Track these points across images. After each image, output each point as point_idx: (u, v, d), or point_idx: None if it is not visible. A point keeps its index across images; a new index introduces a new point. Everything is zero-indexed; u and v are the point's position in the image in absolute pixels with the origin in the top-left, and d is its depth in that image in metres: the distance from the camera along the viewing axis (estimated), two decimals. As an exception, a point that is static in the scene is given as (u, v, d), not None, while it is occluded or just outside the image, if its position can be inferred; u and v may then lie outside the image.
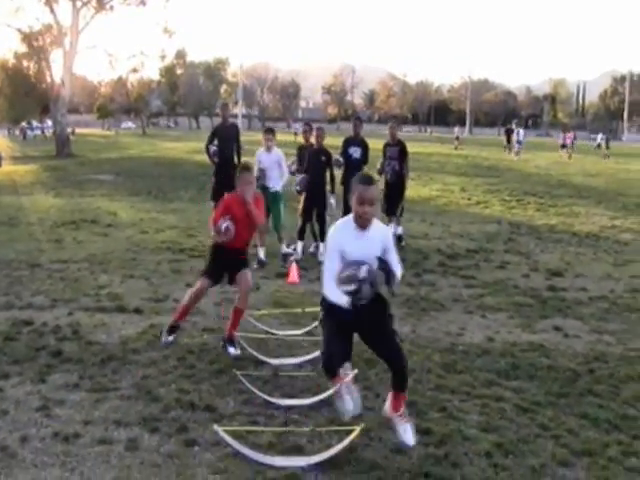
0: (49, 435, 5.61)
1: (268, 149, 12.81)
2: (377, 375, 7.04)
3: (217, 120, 16.30)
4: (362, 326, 5.63)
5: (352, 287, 5.20)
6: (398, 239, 14.30)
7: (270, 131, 13.47)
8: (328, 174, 13.08)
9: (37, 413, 6.01)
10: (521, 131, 53.79)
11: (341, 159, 13.67)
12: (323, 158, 13.02)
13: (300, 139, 15.06)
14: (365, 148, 13.75)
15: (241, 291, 7.85)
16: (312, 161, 13.06)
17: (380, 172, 14.45)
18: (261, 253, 12.26)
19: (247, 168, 8.20)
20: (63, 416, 5.97)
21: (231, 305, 8.69)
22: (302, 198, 13.13)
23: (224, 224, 7.59)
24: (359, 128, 14.11)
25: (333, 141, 16.13)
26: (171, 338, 7.90)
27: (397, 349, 5.59)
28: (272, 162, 12.78)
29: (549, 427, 5.97)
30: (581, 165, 44.12)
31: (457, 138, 66.07)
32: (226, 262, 7.88)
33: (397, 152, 14.45)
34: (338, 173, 13.42)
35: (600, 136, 67.16)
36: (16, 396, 6.36)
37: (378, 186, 5.75)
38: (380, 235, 5.57)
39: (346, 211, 13.65)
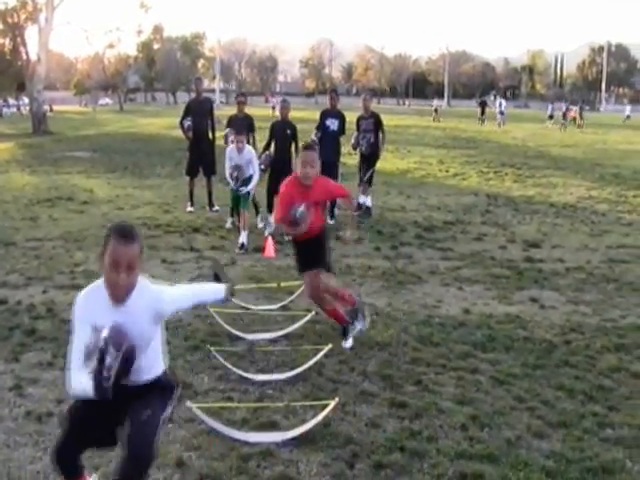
0: (22, 415, 5.55)
1: (239, 150, 12.02)
2: (352, 349, 7.03)
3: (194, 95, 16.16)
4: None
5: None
6: (367, 210, 14.35)
7: (243, 100, 14.43)
8: (294, 147, 12.98)
9: (10, 392, 5.95)
10: (503, 102, 57.18)
11: (315, 138, 13.65)
12: (288, 131, 13.04)
13: (277, 114, 15.02)
14: (342, 120, 13.79)
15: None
16: (278, 135, 13.15)
17: (355, 146, 14.56)
18: (243, 236, 11.73)
19: (309, 147, 7.46)
20: (36, 395, 5.92)
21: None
22: (267, 174, 13.05)
23: (298, 210, 6.87)
24: (335, 101, 14.12)
25: (311, 115, 16.04)
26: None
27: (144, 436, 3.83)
28: (244, 162, 12.06)
29: (525, 399, 5.97)
30: (559, 136, 44.20)
31: (436, 110, 66.06)
32: (312, 253, 7.22)
33: (372, 124, 14.44)
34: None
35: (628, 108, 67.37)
36: (-11, 376, 6.30)
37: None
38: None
39: None
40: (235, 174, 12.00)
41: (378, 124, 14.47)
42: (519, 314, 8.31)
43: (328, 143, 13.41)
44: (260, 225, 13.07)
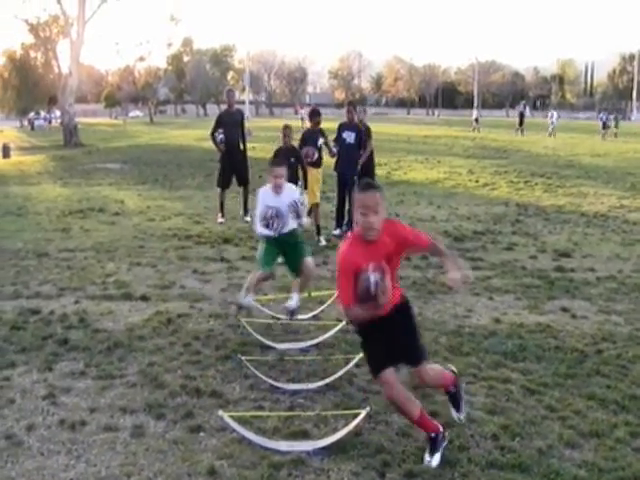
0: (55, 423, 5.61)
1: (277, 189, 8.07)
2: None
3: (224, 107, 16.21)
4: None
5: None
6: None
7: (287, 128, 13.04)
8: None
9: (43, 401, 6.02)
10: (555, 113, 59.08)
11: (334, 150, 13.67)
12: (292, 159, 12.10)
13: (307, 124, 14.94)
14: (359, 132, 13.63)
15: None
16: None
17: (333, 155, 14.01)
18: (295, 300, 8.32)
19: (367, 187, 4.99)
20: (69, 404, 5.98)
21: (238, 290, 8.73)
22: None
23: (372, 281, 4.87)
24: (352, 114, 13.87)
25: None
26: None
27: None
28: (283, 207, 8.11)
29: (556, 408, 5.94)
30: (590, 145, 43.91)
31: (476, 120, 65.55)
32: (396, 336, 5.21)
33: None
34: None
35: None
36: (23, 385, 6.38)
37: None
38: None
39: (339, 200, 13.68)
40: (271, 216, 8.03)
41: (368, 135, 14.21)
42: (550, 324, 8.26)
43: (345, 156, 13.47)
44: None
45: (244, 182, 15.41)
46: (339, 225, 13.72)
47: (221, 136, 15.14)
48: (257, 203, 8.20)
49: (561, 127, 59.61)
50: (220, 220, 14.93)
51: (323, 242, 12.80)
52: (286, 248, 8.22)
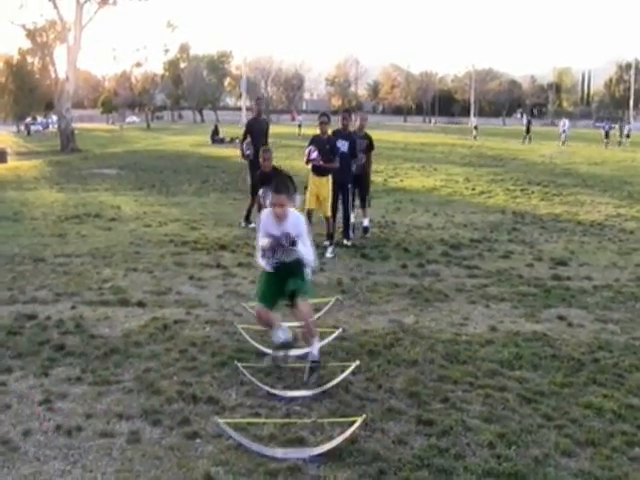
0: (51, 428, 5.60)
1: (279, 218, 6.87)
2: (379, 367, 7.02)
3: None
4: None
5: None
6: (365, 229, 14.38)
7: (267, 152, 12.55)
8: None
9: (40, 406, 6.01)
10: (566, 122, 60.06)
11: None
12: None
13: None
14: (353, 142, 13.38)
15: None
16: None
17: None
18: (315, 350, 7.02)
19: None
20: (65, 409, 5.97)
21: (234, 296, 8.74)
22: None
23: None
24: (347, 121, 13.65)
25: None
26: None
27: None
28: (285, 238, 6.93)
29: (552, 417, 5.94)
30: (586, 154, 43.98)
31: (475, 128, 65.98)
32: None
33: (364, 145, 14.11)
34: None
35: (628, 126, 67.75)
36: (19, 390, 6.36)
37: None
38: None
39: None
40: (271, 247, 6.91)
41: (370, 146, 14.22)
42: (546, 332, 8.27)
43: (340, 166, 13.02)
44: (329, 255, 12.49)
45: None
46: (347, 236, 13.50)
47: (249, 152, 14.97)
48: (257, 228, 7.19)
49: (558, 136, 59.68)
50: (252, 225, 14.38)
51: (329, 255, 12.41)
52: (287, 277, 6.95)
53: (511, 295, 9.92)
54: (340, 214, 13.36)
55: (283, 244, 6.83)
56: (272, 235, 6.87)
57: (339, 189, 13.22)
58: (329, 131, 13.03)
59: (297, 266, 6.98)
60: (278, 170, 12.33)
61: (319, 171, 12.77)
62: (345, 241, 13.37)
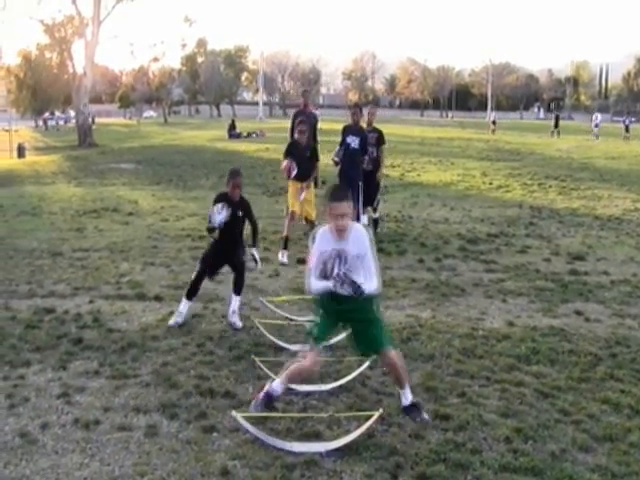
0: (69, 422, 5.64)
1: (340, 232, 5.67)
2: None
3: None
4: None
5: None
6: (375, 223, 14.01)
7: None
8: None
9: (58, 400, 6.06)
10: (599, 115, 61.37)
11: (336, 158, 13.25)
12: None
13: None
14: (363, 138, 13.17)
15: None
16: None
17: (337, 162, 13.45)
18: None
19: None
20: (83, 403, 6.01)
21: (251, 291, 8.77)
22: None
23: None
24: (358, 117, 13.34)
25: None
26: None
27: None
28: (352, 259, 5.70)
29: (570, 412, 5.93)
30: (604, 148, 43.75)
31: (494, 122, 65.87)
32: None
33: (374, 139, 13.67)
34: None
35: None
36: (37, 383, 6.41)
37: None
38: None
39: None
40: (330, 258, 5.73)
41: (381, 139, 13.81)
42: (564, 327, 8.25)
43: (349, 162, 12.99)
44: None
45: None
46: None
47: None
48: (312, 250, 5.86)
49: (575, 129, 59.49)
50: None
51: None
52: (352, 322, 5.92)
53: (528, 290, 9.90)
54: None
55: (348, 261, 5.66)
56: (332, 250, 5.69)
57: (349, 186, 13.02)
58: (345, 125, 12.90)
59: (361, 309, 5.77)
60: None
61: (299, 176, 12.08)
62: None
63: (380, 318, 5.98)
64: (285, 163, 11.95)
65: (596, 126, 57.95)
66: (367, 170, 13.37)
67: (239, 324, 8.07)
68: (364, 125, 13.64)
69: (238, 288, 8.38)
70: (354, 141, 13.12)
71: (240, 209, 9.02)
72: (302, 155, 11.97)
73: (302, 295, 9.10)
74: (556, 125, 59.34)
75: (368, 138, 13.40)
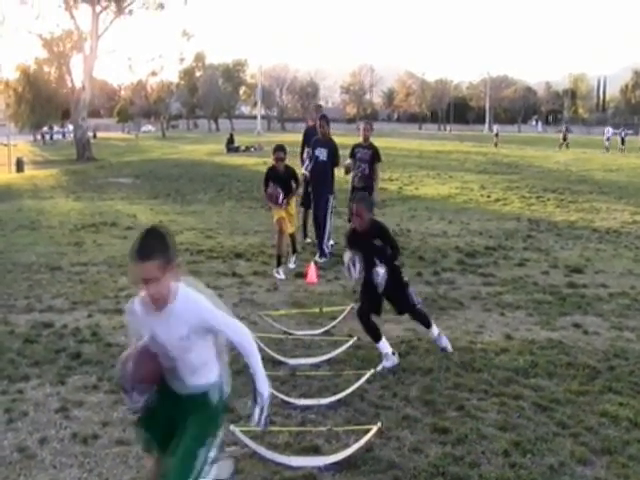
0: (68, 436, 5.65)
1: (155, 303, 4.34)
2: (394, 375, 7.03)
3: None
4: None
5: None
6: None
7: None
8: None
9: (56, 414, 6.06)
10: (610, 129, 62.59)
11: (306, 172, 13.16)
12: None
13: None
14: (332, 149, 12.95)
15: None
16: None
17: (347, 171, 13.17)
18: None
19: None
20: (82, 417, 6.01)
21: (249, 305, 8.76)
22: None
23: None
24: (325, 128, 13.11)
25: (351, 140, 16.03)
26: None
27: None
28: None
29: (568, 425, 5.93)
30: (602, 161, 43.81)
31: (497, 135, 65.99)
32: None
33: (369, 155, 12.99)
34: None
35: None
36: (36, 398, 6.42)
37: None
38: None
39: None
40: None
41: (375, 156, 13.03)
42: (562, 340, 8.25)
43: (318, 175, 12.87)
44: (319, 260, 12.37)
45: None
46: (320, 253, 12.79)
47: (307, 166, 14.09)
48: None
49: (573, 143, 59.62)
50: (307, 240, 14.31)
51: (292, 265, 12.08)
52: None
53: (526, 303, 9.91)
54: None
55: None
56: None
57: (317, 205, 12.95)
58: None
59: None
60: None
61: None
62: (317, 258, 12.58)
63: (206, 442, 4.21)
64: (270, 190, 11.59)
65: (607, 139, 58.85)
66: (357, 186, 12.67)
67: None
68: (361, 139, 13.11)
69: None
70: (322, 153, 12.87)
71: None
72: (281, 180, 11.66)
73: (300, 309, 9.15)
74: (564, 138, 60.07)
75: (361, 154, 12.94)
